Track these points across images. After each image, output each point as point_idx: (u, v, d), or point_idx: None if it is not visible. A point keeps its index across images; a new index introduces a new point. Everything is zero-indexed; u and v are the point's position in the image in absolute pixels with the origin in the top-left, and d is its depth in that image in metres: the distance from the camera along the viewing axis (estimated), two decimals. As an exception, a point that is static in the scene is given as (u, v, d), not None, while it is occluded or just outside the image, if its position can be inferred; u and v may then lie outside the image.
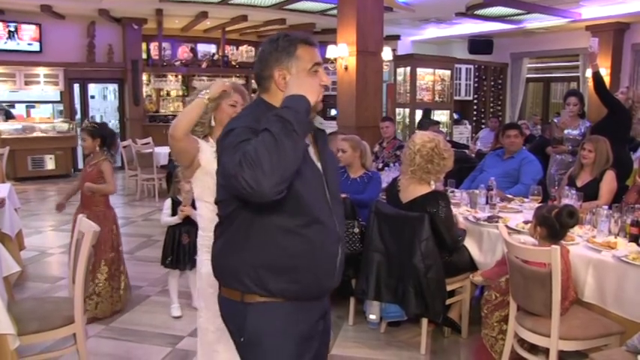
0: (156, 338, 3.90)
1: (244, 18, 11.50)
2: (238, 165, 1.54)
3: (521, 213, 4.14)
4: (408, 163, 3.62)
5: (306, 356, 1.87)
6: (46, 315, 3.04)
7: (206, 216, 2.54)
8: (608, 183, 4.38)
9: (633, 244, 3.21)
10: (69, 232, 6.83)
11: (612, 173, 4.41)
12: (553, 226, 3.04)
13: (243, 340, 1.85)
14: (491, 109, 13.61)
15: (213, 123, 2.59)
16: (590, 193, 4.30)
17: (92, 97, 12.50)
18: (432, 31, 13.33)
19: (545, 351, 2.96)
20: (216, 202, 1.90)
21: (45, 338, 3.06)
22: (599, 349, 2.81)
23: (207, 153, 2.51)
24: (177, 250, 4.13)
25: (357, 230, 3.84)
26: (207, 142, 2.57)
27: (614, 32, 11.22)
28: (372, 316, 3.88)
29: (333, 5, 9.54)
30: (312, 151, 1.88)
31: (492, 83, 13.70)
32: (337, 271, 1.91)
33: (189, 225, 3.96)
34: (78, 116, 12.12)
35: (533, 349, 3.14)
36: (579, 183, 4.50)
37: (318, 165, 1.88)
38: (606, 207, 3.63)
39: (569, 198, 4.01)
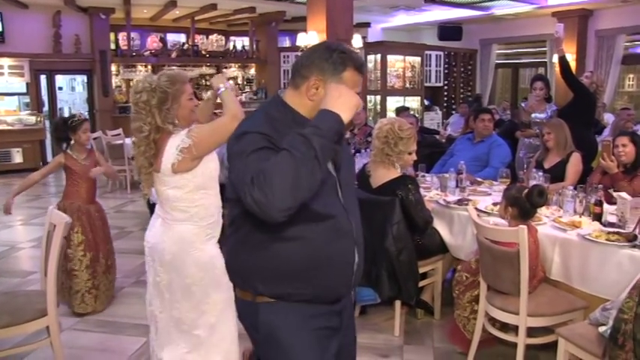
0: (131, 329, 3.89)
1: (214, 7, 11.40)
2: (250, 183, 1.50)
3: (490, 196, 4.22)
4: (372, 148, 3.71)
5: (325, 351, 1.83)
6: (18, 308, 3.01)
7: (208, 205, 2.61)
8: (574, 165, 4.49)
9: (596, 223, 3.32)
10: (39, 225, 6.83)
11: (578, 155, 4.53)
12: (524, 205, 3.12)
13: (260, 336, 1.85)
14: (462, 95, 13.78)
15: (176, 121, 2.59)
16: (557, 174, 4.41)
17: (60, 88, 12.26)
18: (401, 18, 13.41)
19: (515, 328, 3.05)
20: (226, 200, 1.89)
21: (17, 332, 3.02)
22: (565, 324, 2.90)
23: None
24: None
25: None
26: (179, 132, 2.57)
27: (578, 19, 11.45)
28: (346, 300, 3.92)
29: (302, -7, 9.53)
30: None
31: (462, 69, 13.86)
32: (354, 278, 1.86)
33: None
34: (45, 108, 11.89)
35: (504, 327, 3.23)
36: (546, 165, 4.61)
37: (330, 167, 1.79)
38: (571, 188, 3.73)
39: (536, 180, 4.11)
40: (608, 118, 8.87)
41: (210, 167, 2.58)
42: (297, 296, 1.78)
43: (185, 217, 2.57)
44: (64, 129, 4.10)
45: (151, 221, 2.78)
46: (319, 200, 1.70)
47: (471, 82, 14.06)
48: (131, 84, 13.05)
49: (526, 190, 3.15)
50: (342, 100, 1.60)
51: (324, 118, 1.57)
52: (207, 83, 13.95)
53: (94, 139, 9.36)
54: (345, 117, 1.59)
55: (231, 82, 2.68)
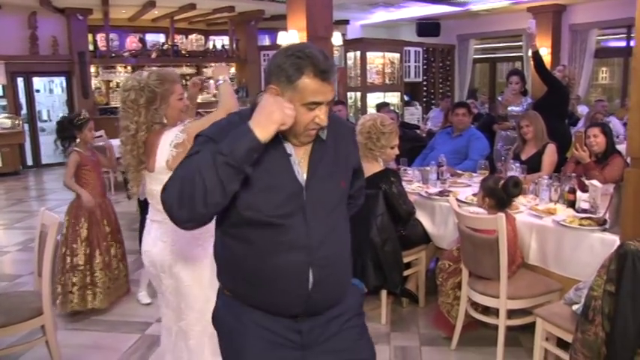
0: (124, 326, 3.97)
1: (192, 6, 11.40)
2: (164, 185, 1.59)
3: (470, 187, 4.37)
4: None
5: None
6: (13, 308, 3.08)
7: None
8: (550, 155, 4.66)
9: (570, 209, 3.49)
10: (23, 229, 6.86)
11: (553, 146, 4.69)
12: (500, 196, 3.27)
13: (218, 327, 1.84)
14: (441, 90, 13.96)
15: (165, 120, 2.56)
16: (533, 165, 4.57)
17: (37, 91, 12.14)
18: (380, 15, 13.53)
19: (496, 311, 3.20)
20: None
21: (13, 332, 3.09)
22: (542, 306, 3.05)
23: None
24: None
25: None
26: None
27: (552, 14, 11.66)
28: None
29: (281, -9, 9.61)
30: (297, 159, 1.69)
31: (441, 64, 14.03)
32: (311, 301, 1.69)
33: None
34: (24, 111, 11.80)
35: (486, 311, 3.38)
36: (523, 156, 4.77)
37: (302, 175, 1.67)
38: (547, 177, 3.89)
39: (513, 171, 4.26)
40: (583, 110, 9.09)
41: None
42: (249, 299, 1.73)
43: None
44: (70, 127, 4.21)
45: (146, 230, 2.70)
46: (268, 205, 1.63)
47: (449, 77, 14.24)
48: (111, 85, 13.02)
49: (502, 182, 3.30)
50: (262, 116, 1.51)
51: (237, 137, 1.50)
52: (188, 82, 13.97)
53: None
54: (262, 134, 1.49)
55: (221, 79, 2.65)
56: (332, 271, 1.71)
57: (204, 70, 14.14)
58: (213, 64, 14.37)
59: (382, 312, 3.89)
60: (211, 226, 2.32)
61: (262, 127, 1.50)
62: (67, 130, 4.24)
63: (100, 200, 4.30)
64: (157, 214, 2.58)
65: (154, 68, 2.64)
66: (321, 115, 1.62)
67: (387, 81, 12.02)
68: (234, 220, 1.67)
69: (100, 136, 9.49)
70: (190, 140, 2.38)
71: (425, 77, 13.47)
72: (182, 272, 2.56)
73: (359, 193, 2.07)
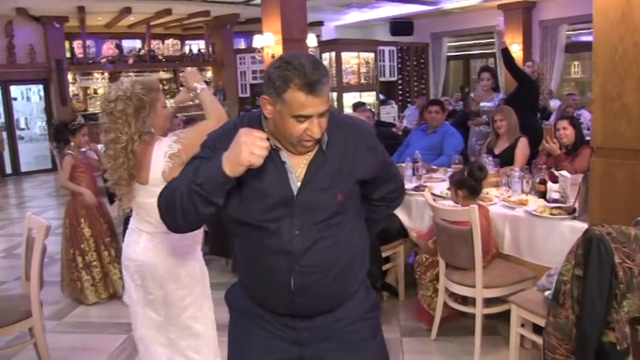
0: (111, 327, 4.03)
1: (168, 12, 11.42)
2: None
3: (445, 181, 4.47)
4: None
5: (268, 353, 1.80)
6: (2, 311, 3.13)
7: None
8: (522, 149, 4.80)
9: (542, 200, 3.64)
10: (4, 237, 6.86)
11: (525, 140, 4.84)
12: (470, 184, 3.45)
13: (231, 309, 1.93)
14: (416, 88, 14.13)
15: (153, 130, 2.50)
16: (506, 159, 4.71)
17: (14, 99, 12.07)
18: (354, 16, 13.67)
19: (474, 301, 3.33)
20: None
21: (2, 334, 3.14)
22: (516, 294, 3.19)
23: None
24: None
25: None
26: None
27: (522, 10, 11.89)
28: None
29: (256, -5, 9.69)
30: (294, 168, 1.70)
31: (415, 63, 14.21)
32: (297, 304, 1.72)
33: None
34: (2, 120, 11.72)
35: (464, 301, 3.51)
36: (497, 151, 4.91)
37: (296, 184, 1.68)
38: (518, 170, 4.04)
39: (487, 165, 4.40)
40: (555, 104, 9.30)
41: None
42: (249, 292, 1.81)
43: None
44: (64, 131, 4.39)
45: (131, 238, 2.62)
46: (256, 209, 1.67)
47: (424, 75, 14.43)
48: (88, 92, 12.96)
49: (466, 170, 3.46)
50: (232, 154, 1.54)
51: (210, 169, 1.58)
52: (165, 87, 13.96)
53: (55, 148, 9.36)
54: (230, 172, 1.53)
55: (201, 86, 2.61)
56: (317, 278, 1.71)
57: (181, 74, 14.14)
58: (189, 69, 14.37)
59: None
60: (198, 236, 2.48)
61: (231, 166, 1.53)
62: (61, 134, 4.43)
63: (98, 201, 4.50)
64: (147, 225, 2.53)
65: (133, 77, 2.64)
66: (312, 128, 1.60)
67: (362, 81, 12.14)
68: (232, 219, 1.75)
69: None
70: (185, 150, 2.38)
71: (400, 76, 13.63)
72: (173, 286, 2.54)
73: (392, 195, 2.01)
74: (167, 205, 1.68)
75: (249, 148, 1.51)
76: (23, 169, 12.00)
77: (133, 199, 2.53)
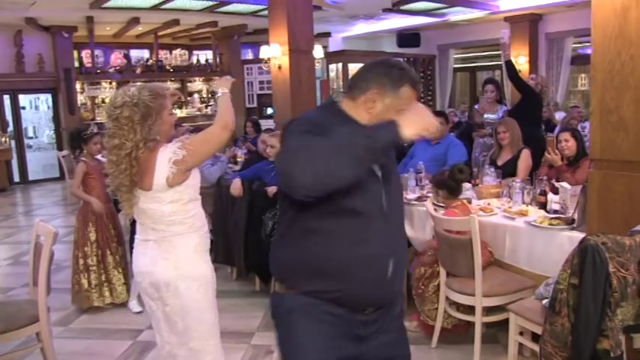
0: (116, 334, 4.09)
1: (176, 22, 11.57)
2: (281, 154, 1.70)
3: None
4: None
5: (331, 353, 1.84)
6: (10, 316, 3.19)
7: (199, 214, 2.58)
8: (524, 160, 4.85)
9: (542, 211, 3.68)
10: (12, 244, 6.93)
11: (527, 152, 4.89)
12: (449, 184, 3.62)
13: (280, 329, 1.93)
14: (422, 100, 14.18)
15: (158, 137, 2.46)
16: (509, 170, 4.76)
17: (23, 108, 12.22)
18: (361, 27, 13.76)
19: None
20: (282, 195, 1.97)
21: (10, 338, 3.20)
22: (515, 302, 3.22)
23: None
24: None
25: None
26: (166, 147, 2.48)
27: (529, 23, 11.94)
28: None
29: (263, 6, 9.78)
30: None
31: (422, 74, 14.26)
32: (387, 290, 1.87)
33: None
34: (10, 129, 11.87)
35: (466, 310, 3.54)
36: (500, 162, 4.96)
37: (378, 173, 1.83)
38: (519, 181, 4.08)
39: (488, 176, 4.46)
40: (560, 116, 9.32)
41: (198, 177, 2.56)
42: (326, 294, 1.81)
43: (185, 228, 2.49)
44: (78, 139, 4.54)
45: (138, 250, 2.60)
46: (355, 198, 1.75)
47: (430, 87, 14.49)
48: (96, 101, 13.09)
49: (447, 172, 3.62)
50: (414, 118, 1.64)
51: (384, 127, 1.62)
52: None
53: (63, 156, 9.49)
54: (407, 133, 1.60)
55: (222, 91, 2.66)
56: (404, 264, 1.96)
57: (189, 84, 14.29)
58: (197, 79, 14.52)
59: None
60: (207, 239, 2.51)
61: (410, 127, 1.61)
62: (74, 141, 4.59)
63: (105, 206, 4.56)
64: (152, 233, 2.51)
65: (139, 83, 2.58)
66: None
67: (369, 92, 12.18)
68: (326, 211, 1.74)
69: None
70: (192, 156, 2.40)
71: (407, 87, 13.68)
72: (189, 290, 2.49)
73: None
74: (309, 156, 1.57)
75: (431, 114, 1.69)
76: (31, 177, 12.14)
77: (135, 206, 2.51)
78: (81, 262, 4.47)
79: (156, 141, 2.43)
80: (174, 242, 2.50)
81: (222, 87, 2.67)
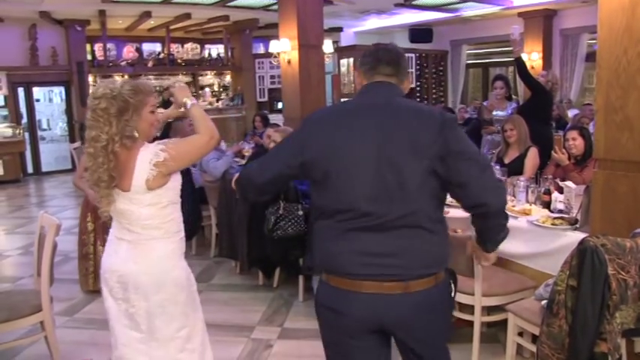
0: (119, 325, 4.12)
1: (188, 16, 11.59)
2: None
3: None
4: None
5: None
6: (15, 305, 3.25)
7: (176, 219, 2.51)
8: (531, 159, 4.81)
9: (546, 210, 3.65)
10: (24, 234, 7.01)
11: (535, 150, 4.85)
12: None
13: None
14: (434, 96, 14.14)
15: (136, 134, 2.38)
16: (516, 168, 4.73)
17: (37, 100, 12.34)
18: (373, 22, 13.72)
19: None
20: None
21: (14, 327, 3.25)
22: (515, 303, 3.20)
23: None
24: None
25: (301, 212, 4.13)
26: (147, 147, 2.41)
27: (543, 18, 11.83)
28: (319, 291, 4.20)
29: (274, 0, 9.78)
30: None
31: (434, 70, 14.22)
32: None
33: None
34: (24, 120, 11.98)
35: (465, 308, 3.53)
36: (507, 160, 4.92)
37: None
38: (523, 179, 4.05)
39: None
40: (573, 113, 9.23)
41: (179, 181, 2.48)
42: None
43: (160, 233, 2.43)
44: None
45: (111, 248, 2.52)
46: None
47: (442, 83, 14.43)
48: (109, 94, 13.14)
49: None
50: None
51: None
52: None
53: (74, 149, 9.55)
54: None
55: (190, 101, 2.49)
56: None
57: (200, 78, 14.33)
58: (209, 72, 14.54)
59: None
60: (182, 244, 2.49)
61: None
62: (84, 131, 4.57)
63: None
64: (128, 234, 2.44)
65: (126, 77, 2.55)
66: None
67: (380, 87, 12.15)
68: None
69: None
70: (174, 160, 2.33)
71: (418, 83, 13.66)
72: (157, 295, 2.42)
73: None
74: None
75: None
76: (44, 169, 12.25)
77: (112, 204, 2.42)
78: (81, 248, 4.70)
79: (133, 138, 2.35)
80: (147, 246, 2.43)
81: (186, 97, 2.50)
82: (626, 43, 2.81)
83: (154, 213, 2.39)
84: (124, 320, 2.47)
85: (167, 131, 5.98)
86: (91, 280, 4.70)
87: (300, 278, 4.42)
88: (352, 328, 1.96)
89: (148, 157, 2.32)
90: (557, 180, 4.02)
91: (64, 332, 3.98)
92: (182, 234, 2.52)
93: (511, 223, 3.46)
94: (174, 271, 2.46)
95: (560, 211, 3.61)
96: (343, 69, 12.18)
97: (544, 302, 2.79)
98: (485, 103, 6.59)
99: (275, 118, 9.70)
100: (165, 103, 12.03)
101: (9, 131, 11.35)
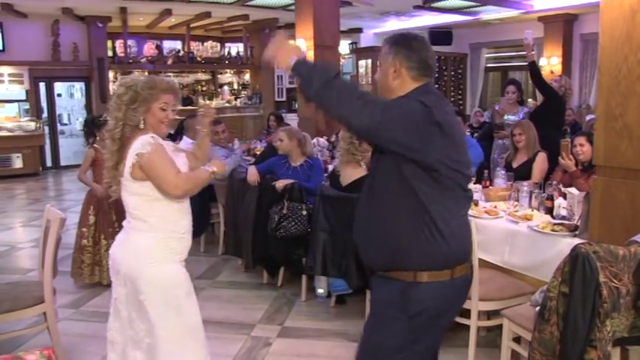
0: (122, 318, 4.19)
1: (208, 14, 11.71)
2: None
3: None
4: (338, 149, 4.13)
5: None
6: (18, 296, 3.32)
7: (165, 217, 2.53)
8: (540, 164, 4.78)
9: (548, 216, 3.63)
10: (39, 227, 7.07)
11: (543, 155, 4.81)
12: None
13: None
14: (452, 99, 14.07)
15: (142, 125, 2.48)
16: (524, 173, 4.69)
17: (59, 95, 12.57)
18: (393, 24, 13.69)
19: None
20: None
21: (17, 317, 3.32)
22: (510, 308, 3.19)
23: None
24: None
25: (305, 212, 4.17)
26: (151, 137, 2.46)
27: (563, 23, 11.71)
28: (320, 290, 4.24)
29: (293, 0, 9.82)
30: None
31: (453, 73, 14.16)
32: None
33: None
34: (45, 115, 12.21)
35: (463, 312, 3.52)
36: (515, 164, 4.89)
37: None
38: (526, 184, 4.03)
39: (499, 178, 4.41)
40: (590, 119, 9.11)
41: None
42: None
43: (145, 227, 2.48)
44: (91, 126, 4.72)
45: (124, 232, 2.63)
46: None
47: (461, 86, 14.36)
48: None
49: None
50: None
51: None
52: (204, 88, 14.24)
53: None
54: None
55: (211, 170, 2.62)
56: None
57: (219, 76, 14.42)
58: (228, 71, 14.63)
59: (367, 311, 4.04)
60: (171, 245, 2.53)
61: None
62: (88, 127, 4.76)
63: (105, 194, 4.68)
64: (127, 220, 2.57)
65: (146, 74, 2.68)
66: None
67: (397, 89, 12.13)
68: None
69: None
70: (143, 168, 2.38)
71: (436, 85, 13.51)
72: (132, 286, 2.48)
73: None
74: None
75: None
76: (63, 162, 12.48)
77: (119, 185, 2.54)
78: (78, 241, 4.75)
79: (134, 128, 2.46)
80: (131, 235, 2.53)
81: (215, 167, 2.61)
82: (626, 51, 2.81)
83: (139, 204, 2.48)
84: (113, 306, 2.63)
85: (180, 130, 6.05)
86: (86, 273, 4.71)
87: (303, 278, 4.45)
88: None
89: (136, 146, 2.41)
90: (561, 186, 3.99)
91: (69, 324, 4.06)
92: (169, 234, 2.51)
93: (511, 227, 3.52)
94: (147, 268, 2.46)
95: (563, 218, 3.59)
96: (362, 70, 12.18)
97: (538, 308, 2.78)
98: (497, 107, 6.54)
99: (292, 118, 9.73)
100: (185, 100, 12.26)
101: (30, 125, 11.56)
